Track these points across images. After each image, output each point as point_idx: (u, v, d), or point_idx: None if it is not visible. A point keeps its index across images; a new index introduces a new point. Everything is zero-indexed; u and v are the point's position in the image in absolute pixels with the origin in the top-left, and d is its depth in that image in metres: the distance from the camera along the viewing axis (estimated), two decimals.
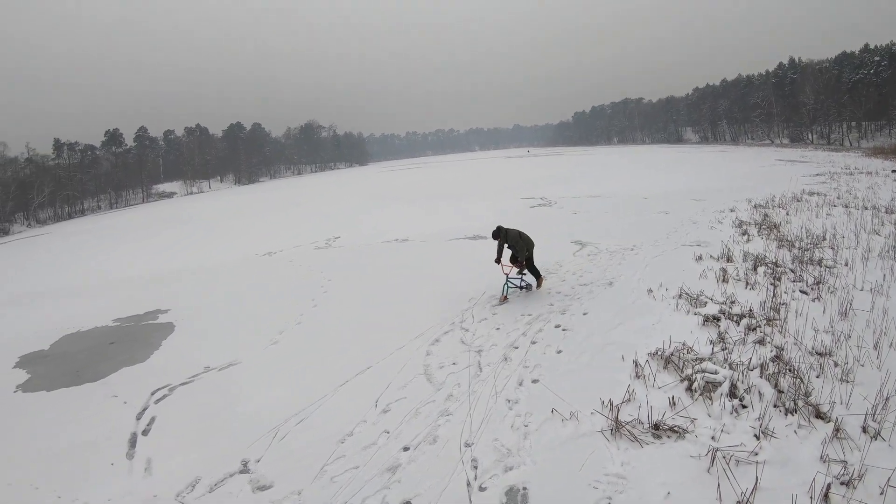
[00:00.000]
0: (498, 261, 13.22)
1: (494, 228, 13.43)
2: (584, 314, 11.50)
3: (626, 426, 7.20)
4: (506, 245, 13.32)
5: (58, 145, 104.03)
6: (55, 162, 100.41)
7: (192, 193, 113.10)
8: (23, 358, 14.19)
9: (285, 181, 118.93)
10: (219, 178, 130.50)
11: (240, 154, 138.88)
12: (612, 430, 7.21)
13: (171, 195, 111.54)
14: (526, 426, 7.49)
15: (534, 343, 9.96)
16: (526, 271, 13.57)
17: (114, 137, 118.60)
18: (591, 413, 7.66)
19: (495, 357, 9.50)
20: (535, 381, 8.63)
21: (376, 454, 7.33)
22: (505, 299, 12.79)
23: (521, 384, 8.58)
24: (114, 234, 47.82)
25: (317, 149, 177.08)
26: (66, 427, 9.97)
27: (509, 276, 13.42)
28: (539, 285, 13.59)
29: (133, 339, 14.44)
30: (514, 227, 13.85)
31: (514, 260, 13.46)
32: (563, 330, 10.75)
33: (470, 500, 6.24)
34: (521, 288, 13.37)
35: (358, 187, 63.62)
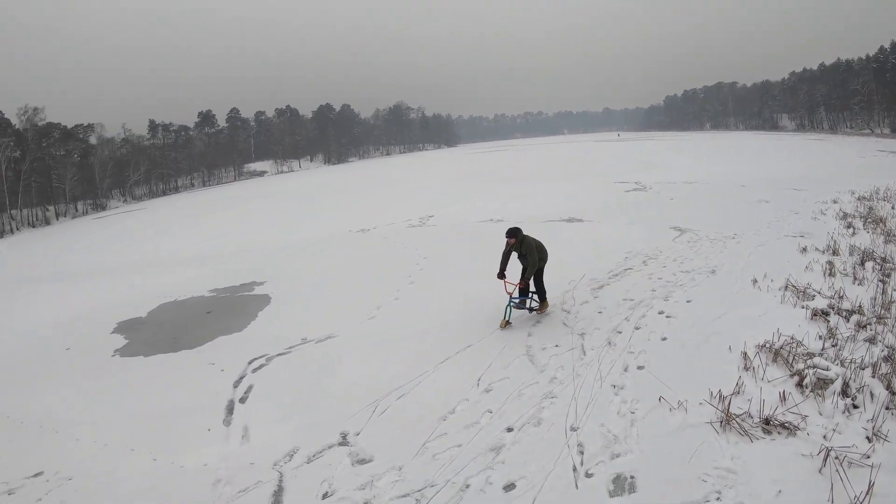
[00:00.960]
0: (501, 275, 11.11)
1: (511, 227, 11.24)
2: (688, 302, 11.02)
3: (737, 419, 6.80)
4: (515, 255, 11.29)
5: (153, 126, 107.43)
6: (150, 142, 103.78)
7: (282, 172, 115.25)
8: (120, 324, 14.59)
9: (374, 161, 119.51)
10: (308, 157, 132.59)
11: (329, 134, 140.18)
12: (721, 422, 6.82)
13: (261, 174, 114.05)
14: (633, 413, 7.17)
15: (637, 329, 9.59)
16: (533, 291, 11.44)
17: (207, 118, 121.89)
18: (700, 403, 7.28)
19: (599, 341, 9.17)
20: (640, 368, 8.28)
21: (479, 433, 7.13)
22: (507, 324, 10.80)
23: (626, 370, 8.24)
24: (208, 209, 49.29)
25: (405, 130, 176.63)
26: (163, 392, 10.16)
27: (512, 295, 11.09)
28: (543, 309, 11.37)
29: (229, 309, 14.69)
30: (532, 236, 11.42)
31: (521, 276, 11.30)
32: (667, 317, 10.32)
33: (576, 485, 5.98)
34: (529, 310, 11.29)
35: (448, 168, 63.24)
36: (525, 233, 11.20)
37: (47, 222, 70.59)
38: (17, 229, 66.27)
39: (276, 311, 13.89)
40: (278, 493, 6.70)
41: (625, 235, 16.87)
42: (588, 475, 6.10)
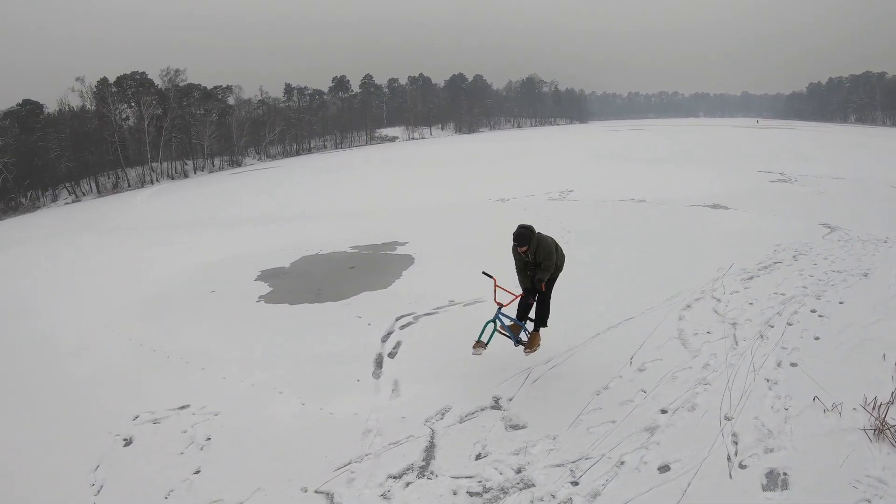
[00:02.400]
0: (497, 301, 8.27)
1: (519, 228, 7.91)
2: (841, 303, 10.42)
3: (890, 429, 6.47)
4: (525, 261, 8.15)
5: (288, 89, 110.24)
6: (285, 104, 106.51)
7: (413, 139, 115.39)
8: (264, 272, 15.18)
9: (506, 133, 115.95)
10: (440, 125, 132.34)
11: (461, 104, 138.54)
12: (875, 430, 6.50)
13: (392, 139, 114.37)
14: (786, 410, 6.92)
15: (790, 325, 9.19)
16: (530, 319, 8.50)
17: (341, 83, 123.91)
18: (854, 409, 6.95)
19: (751, 333, 8.87)
20: (793, 365, 7.97)
21: (633, 412, 7.10)
22: (481, 346, 7.99)
23: (779, 365, 7.96)
24: (344, 170, 50.04)
25: (537, 103, 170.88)
26: (309, 340, 10.46)
27: (502, 307, 8.26)
28: (533, 345, 8.26)
29: (372, 266, 14.97)
30: (548, 234, 8.24)
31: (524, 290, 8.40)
32: (820, 316, 9.82)
33: (730, 475, 5.87)
34: (517, 342, 8.37)
35: (584, 144, 60.52)
36: (539, 231, 8.12)
37: (185, 175, 74.27)
38: (158, 180, 70.20)
39: (421, 272, 14.05)
40: (430, 449, 6.87)
41: (772, 227, 16.03)
42: (742, 466, 5.98)
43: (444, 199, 25.73)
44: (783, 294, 10.64)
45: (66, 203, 60.29)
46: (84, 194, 64.24)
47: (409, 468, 6.56)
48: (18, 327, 13.03)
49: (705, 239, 14.07)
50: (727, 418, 6.77)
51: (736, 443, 6.34)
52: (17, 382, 10.07)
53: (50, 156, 63.86)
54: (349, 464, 6.67)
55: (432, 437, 7.11)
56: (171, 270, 16.64)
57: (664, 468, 6.07)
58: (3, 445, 7.97)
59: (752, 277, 11.44)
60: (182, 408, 8.40)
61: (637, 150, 49.04)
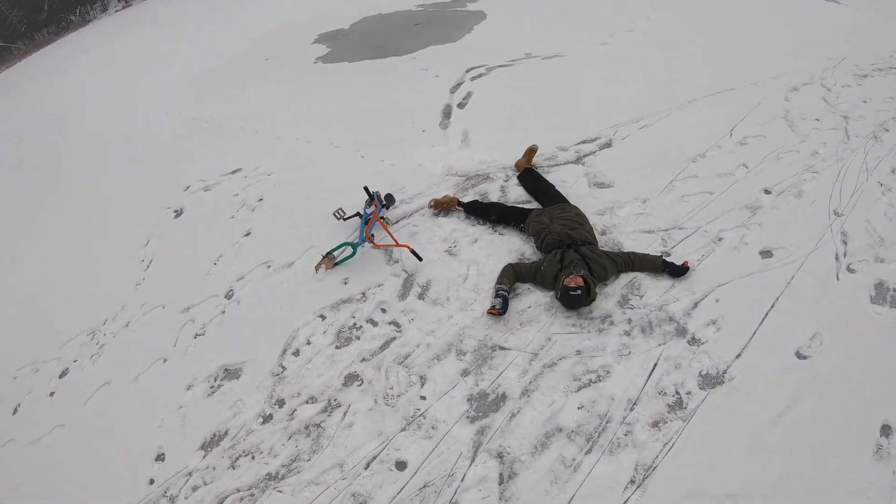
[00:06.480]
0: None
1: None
2: None
3: None
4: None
5: None
6: None
7: None
8: (322, 35, 13.81)
9: None
10: None
11: None
12: None
13: None
14: None
15: None
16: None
17: None
18: None
19: (864, 130, 7.12)
20: None
21: (733, 186, 5.76)
22: (328, 266, 5.44)
23: (893, 171, 6.46)
24: None
25: None
26: (370, 94, 9.62)
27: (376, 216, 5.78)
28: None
29: (441, 22, 13.22)
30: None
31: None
32: None
33: (837, 277, 4.67)
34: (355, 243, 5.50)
35: None
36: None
37: None
38: None
39: (494, 26, 12.20)
40: (505, 189, 6.27)
41: (891, 30, 12.09)
42: (850, 270, 4.75)
43: None
44: None
45: (117, 10, 56.96)
46: None
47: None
48: (71, 128, 12.12)
49: (813, 27, 11.50)
50: (836, 214, 5.38)
51: (845, 242, 5.01)
52: (73, 175, 9.55)
53: None
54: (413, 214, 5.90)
55: (505, 181, 6.33)
56: (226, 44, 15.32)
57: (766, 253, 4.90)
58: (60, 234, 7.76)
59: (865, 76, 9.19)
60: (234, 172, 7.91)
61: None
